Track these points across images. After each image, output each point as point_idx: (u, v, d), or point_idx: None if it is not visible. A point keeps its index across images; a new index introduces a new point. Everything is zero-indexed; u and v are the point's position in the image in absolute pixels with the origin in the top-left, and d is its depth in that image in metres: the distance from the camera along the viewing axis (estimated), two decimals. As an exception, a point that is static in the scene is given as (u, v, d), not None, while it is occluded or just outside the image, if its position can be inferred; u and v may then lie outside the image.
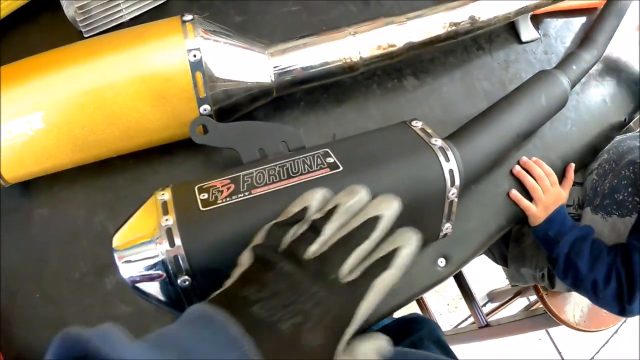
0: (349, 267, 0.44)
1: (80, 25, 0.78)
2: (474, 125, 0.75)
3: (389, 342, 0.45)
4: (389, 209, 0.47)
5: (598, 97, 0.99)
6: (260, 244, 0.48)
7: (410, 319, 1.01)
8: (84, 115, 0.65)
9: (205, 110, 0.68)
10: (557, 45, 1.00)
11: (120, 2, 0.80)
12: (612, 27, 0.96)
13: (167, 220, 0.55)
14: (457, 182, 0.64)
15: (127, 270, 0.56)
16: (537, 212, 0.92)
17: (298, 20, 0.89)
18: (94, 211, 0.76)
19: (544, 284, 1.36)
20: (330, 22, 0.89)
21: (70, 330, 0.36)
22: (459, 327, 2.21)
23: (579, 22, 1.04)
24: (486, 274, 2.15)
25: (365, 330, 0.71)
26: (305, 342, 0.40)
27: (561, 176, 0.94)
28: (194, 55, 0.65)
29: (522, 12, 0.88)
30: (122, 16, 0.82)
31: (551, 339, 2.35)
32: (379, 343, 0.44)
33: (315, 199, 0.50)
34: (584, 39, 0.95)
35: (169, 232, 0.54)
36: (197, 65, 0.66)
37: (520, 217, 0.90)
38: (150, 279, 0.56)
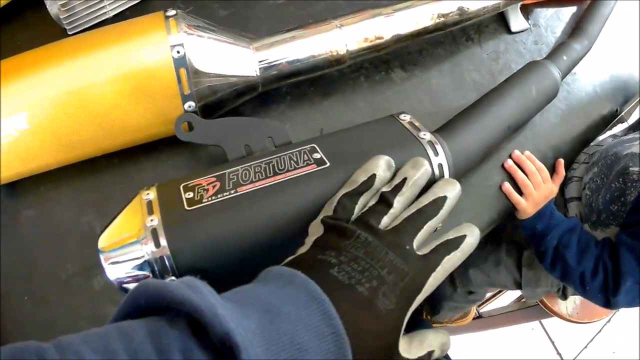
0: (419, 241, 0.48)
1: (64, 22, 0.77)
2: (463, 118, 0.74)
3: (449, 340, 0.50)
4: (454, 191, 0.53)
5: (589, 87, 0.99)
6: (332, 215, 0.51)
7: (408, 321, 1.01)
8: (68, 115, 0.64)
9: (190, 107, 0.67)
10: (547, 35, 0.99)
11: (103, -3, 0.79)
12: (602, 17, 0.95)
13: (152, 220, 0.54)
14: (447, 176, 0.63)
15: (114, 272, 0.55)
16: (527, 207, 0.92)
17: (284, 13, 0.88)
18: (81, 211, 0.75)
19: (557, 295, 1.37)
20: (317, 15, 0.88)
21: (148, 282, 0.38)
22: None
23: (569, 11, 1.03)
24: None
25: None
26: (380, 305, 0.43)
27: (552, 169, 0.94)
28: (178, 52, 0.64)
29: (511, 2, 0.88)
30: (105, 12, 0.81)
31: (544, 328, 2.36)
32: (444, 339, 0.49)
33: (379, 167, 0.54)
34: (575, 28, 0.95)
35: (154, 233, 0.54)
36: (180, 62, 0.65)
37: (510, 210, 0.90)
38: (137, 279, 0.55)
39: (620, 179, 0.97)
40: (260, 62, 0.71)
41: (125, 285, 0.56)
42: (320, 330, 0.39)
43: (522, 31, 0.97)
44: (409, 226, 0.49)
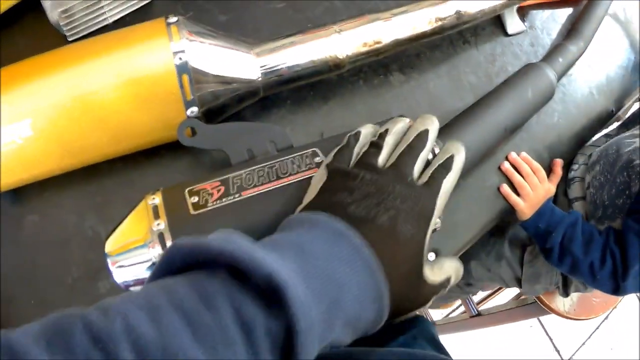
0: (417, 172, 0.52)
1: (64, 29, 0.78)
2: (460, 121, 0.75)
3: (462, 267, 0.55)
4: (433, 124, 0.55)
5: (585, 88, 1.00)
6: (332, 161, 0.54)
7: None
8: (71, 121, 0.65)
9: (192, 112, 0.68)
10: (543, 37, 1.00)
11: (104, 4, 0.79)
12: (598, 18, 0.96)
13: (158, 224, 0.55)
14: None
15: (121, 275, 0.56)
16: (525, 208, 0.93)
17: (283, 18, 0.89)
18: (84, 216, 0.76)
19: (559, 292, 1.38)
20: (315, 19, 0.89)
21: (182, 240, 0.38)
22: (450, 316, 2.22)
23: (565, 13, 1.04)
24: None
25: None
26: (401, 232, 0.47)
27: (549, 170, 0.95)
28: (180, 58, 0.65)
29: (508, 5, 0.89)
30: (105, 19, 0.81)
31: (542, 325, 2.37)
32: (458, 265, 0.55)
33: (365, 128, 0.57)
34: (570, 30, 0.96)
35: (160, 237, 0.55)
36: (183, 68, 0.65)
37: (508, 211, 0.91)
38: (144, 283, 0.56)
39: (625, 173, 0.99)
40: (261, 67, 0.72)
41: (132, 289, 0.57)
42: (353, 263, 0.42)
43: (518, 33, 0.98)
44: (404, 160, 0.52)
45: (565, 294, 1.35)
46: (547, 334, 2.36)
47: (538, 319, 2.35)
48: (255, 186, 0.58)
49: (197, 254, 0.37)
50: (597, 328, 2.37)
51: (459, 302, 2.01)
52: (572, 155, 1.02)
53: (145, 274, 0.55)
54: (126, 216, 0.59)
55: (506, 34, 0.97)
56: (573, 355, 2.35)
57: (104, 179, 0.77)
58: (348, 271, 0.41)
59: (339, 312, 0.40)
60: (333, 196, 0.49)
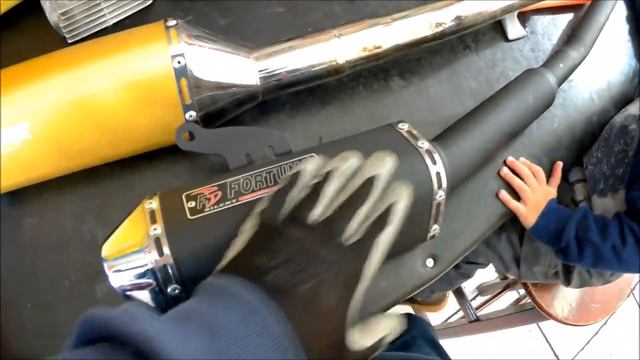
0: (353, 229, 0.46)
1: (64, 31, 0.78)
2: (460, 126, 0.75)
3: (402, 323, 0.50)
4: (384, 167, 0.50)
5: (585, 94, 1.00)
6: (265, 209, 0.50)
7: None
8: (69, 125, 0.65)
9: (191, 116, 0.68)
10: (544, 42, 1.00)
11: (104, 7, 0.79)
12: (599, 24, 0.96)
13: (155, 229, 0.55)
14: (444, 184, 0.64)
15: (117, 280, 0.55)
16: (527, 212, 0.92)
17: (283, 22, 0.89)
18: (82, 219, 0.75)
19: (556, 281, 1.36)
20: (315, 23, 0.89)
21: (92, 312, 0.37)
22: (449, 321, 2.22)
23: (566, 19, 1.04)
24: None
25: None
26: (322, 303, 0.42)
27: (549, 176, 0.95)
28: (178, 62, 0.65)
29: (508, 10, 0.89)
30: (105, 21, 0.81)
31: (541, 330, 2.37)
32: (396, 324, 0.49)
33: (309, 163, 0.52)
34: (571, 36, 0.96)
35: (157, 242, 0.54)
36: (181, 72, 0.65)
37: (508, 216, 0.91)
38: (140, 287, 0.55)
39: (622, 140, 0.97)
40: (260, 71, 0.71)
41: (128, 293, 0.56)
42: (264, 342, 0.38)
43: (519, 39, 0.98)
44: (338, 216, 0.47)
45: (567, 282, 1.33)
46: (546, 339, 2.36)
47: (537, 324, 2.35)
48: (252, 191, 0.58)
49: (105, 329, 0.36)
50: (596, 333, 2.37)
51: (457, 307, 2.01)
52: (572, 161, 1.01)
53: (141, 279, 0.55)
54: (123, 220, 0.59)
55: (507, 40, 0.97)
56: (572, 360, 2.35)
57: (103, 182, 0.76)
58: (257, 351, 0.38)
59: None
60: (256, 257, 0.45)
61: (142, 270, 0.55)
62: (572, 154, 0.97)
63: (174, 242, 0.54)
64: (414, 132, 0.68)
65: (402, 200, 0.48)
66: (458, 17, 0.81)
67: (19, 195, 0.75)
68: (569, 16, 1.04)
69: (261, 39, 0.79)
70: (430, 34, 0.80)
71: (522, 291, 1.87)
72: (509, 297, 2.03)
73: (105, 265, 0.55)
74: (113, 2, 0.80)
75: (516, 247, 1.33)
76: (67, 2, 0.75)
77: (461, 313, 1.91)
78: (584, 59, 0.93)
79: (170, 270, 0.54)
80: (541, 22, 1.02)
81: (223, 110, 0.71)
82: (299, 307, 0.41)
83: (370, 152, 0.65)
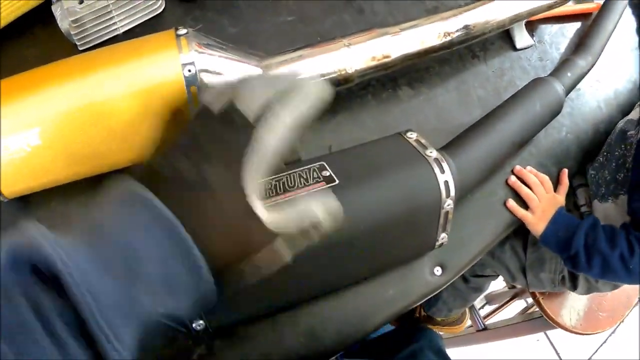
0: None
1: (75, 38, 0.79)
2: (469, 135, 0.75)
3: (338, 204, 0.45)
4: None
5: (592, 102, 1.00)
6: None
7: (411, 328, 1.01)
8: (80, 131, 0.65)
9: (201, 124, 0.68)
10: (551, 51, 1.00)
11: (114, 15, 0.80)
12: (606, 33, 0.96)
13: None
14: (452, 193, 0.64)
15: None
16: (535, 220, 0.92)
17: (292, 31, 0.89)
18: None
19: (564, 288, 1.36)
20: (324, 32, 0.90)
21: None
22: (457, 330, 2.21)
23: (573, 27, 1.04)
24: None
25: (364, 339, 0.71)
26: (211, 178, 0.43)
27: (556, 184, 0.95)
28: (189, 70, 0.65)
29: (516, 19, 0.89)
30: (116, 29, 0.82)
31: (549, 339, 2.35)
32: (328, 203, 0.45)
33: None
34: (579, 45, 0.96)
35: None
36: (192, 80, 0.66)
37: (516, 225, 0.90)
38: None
39: (622, 145, 0.97)
40: (269, 80, 0.72)
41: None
42: (150, 225, 0.40)
43: (527, 48, 0.98)
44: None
45: (574, 287, 1.33)
46: (554, 347, 2.35)
47: (545, 333, 2.34)
48: (262, 199, 0.58)
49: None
50: (605, 342, 2.36)
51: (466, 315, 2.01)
52: (579, 170, 1.01)
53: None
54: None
55: (515, 49, 0.98)
56: (580, 369, 2.34)
57: (112, 190, 0.76)
58: (144, 235, 0.39)
59: (139, 279, 0.39)
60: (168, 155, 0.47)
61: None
62: (579, 163, 0.97)
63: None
64: (423, 140, 0.68)
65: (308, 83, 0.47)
66: (466, 27, 0.81)
67: (28, 202, 0.76)
68: (577, 25, 1.04)
69: (271, 48, 0.80)
70: (439, 43, 0.80)
71: (530, 300, 1.86)
72: (517, 306, 2.02)
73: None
74: (124, 10, 0.81)
75: (521, 257, 1.32)
76: (78, 10, 0.76)
77: (469, 322, 1.90)
78: (591, 67, 0.93)
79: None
80: (549, 31, 1.02)
81: (232, 118, 0.71)
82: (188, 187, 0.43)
83: (379, 160, 0.65)
